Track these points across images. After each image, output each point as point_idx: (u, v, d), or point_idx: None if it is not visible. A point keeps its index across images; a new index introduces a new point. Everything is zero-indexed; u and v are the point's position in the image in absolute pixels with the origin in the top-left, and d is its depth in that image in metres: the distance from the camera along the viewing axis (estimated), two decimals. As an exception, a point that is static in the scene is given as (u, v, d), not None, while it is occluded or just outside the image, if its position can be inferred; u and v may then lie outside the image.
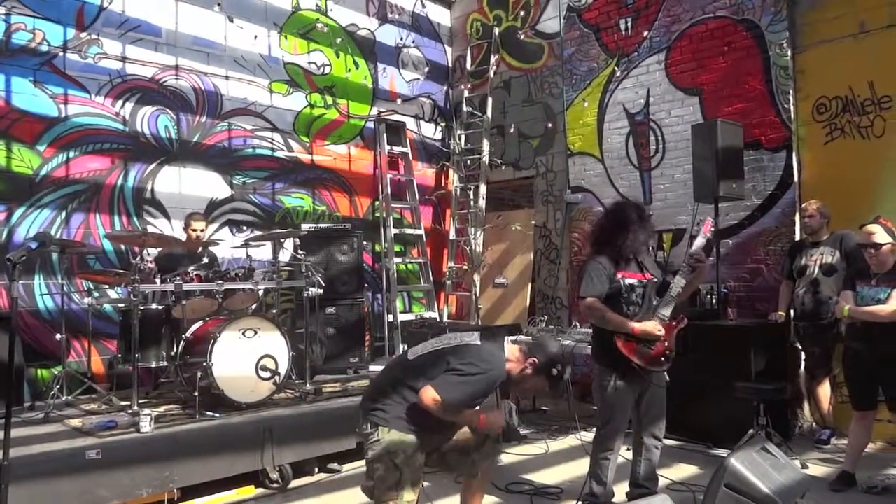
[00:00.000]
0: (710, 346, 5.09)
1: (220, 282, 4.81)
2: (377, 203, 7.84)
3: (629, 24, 6.91)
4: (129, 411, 4.31)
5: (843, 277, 4.61)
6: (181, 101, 6.37)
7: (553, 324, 6.88)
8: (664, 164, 6.61)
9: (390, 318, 7.40)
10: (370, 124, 7.85)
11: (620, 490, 3.88)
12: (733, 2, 6.08)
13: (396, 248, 7.73)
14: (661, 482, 4.03)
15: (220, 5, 6.66)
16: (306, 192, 7.24)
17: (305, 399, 4.90)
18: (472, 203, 8.12)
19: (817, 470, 4.51)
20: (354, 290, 6.63)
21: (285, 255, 6.07)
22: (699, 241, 3.56)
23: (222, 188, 6.60)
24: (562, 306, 7.41)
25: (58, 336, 4.81)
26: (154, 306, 4.99)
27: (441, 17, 8.77)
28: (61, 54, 5.68)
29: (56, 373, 4.95)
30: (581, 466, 3.92)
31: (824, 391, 5.17)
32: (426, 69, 8.52)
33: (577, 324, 6.29)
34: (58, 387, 4.74)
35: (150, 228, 6.04)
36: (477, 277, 7.83)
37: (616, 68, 7.01)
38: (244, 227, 6.71)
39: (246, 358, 4.59)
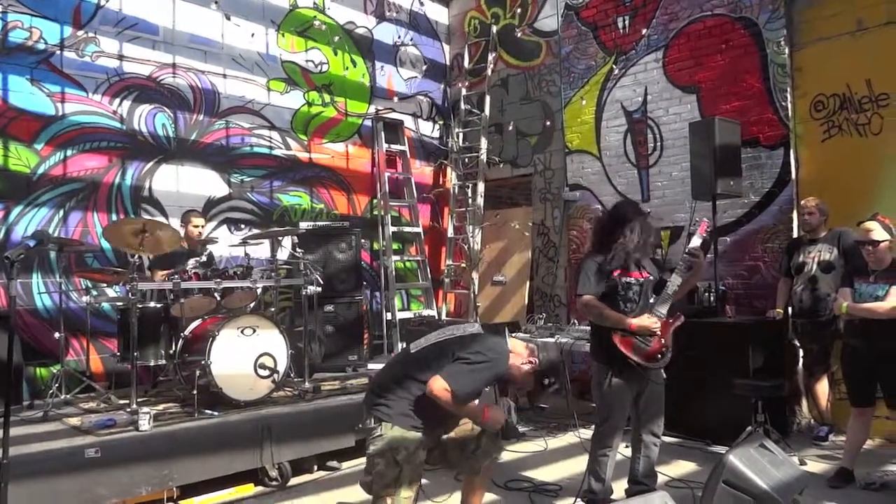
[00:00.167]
0: (708, 343, 5.10)
1: (219, 280, 4.81)
2: (375, 201, 7.84)
3: (627, 22, 6.92)
4: (128, 409, 4.30)
5: (841, 274, 4.62)
6: (178, 99, 6.36)
7: (551, 321, 6.88)
8: (662, 161, 6.62)
9: (389, 316, 7.40)
10: (368, 122, 7.84)
11: (619, 487, 3.89)
12: (731, -1, 6.10)
13: (395, 247, 7.73)
14: (660, 479, 4.04)
15: (218, 3, 6.65)
16: (304, 191, 7.24)
17: (304, 397, 4.89)
18: (470, 201, 8.12)
19: (815, 466, 4.52)
20: (353, 289, 6.62)
21: (283, 254, 6.08)
22: (695, 241, 3.58)
23: (220, 186, 6.59)
24: (560, 304, 7.42)
25: (56, 335, 4.80)
26: (152, 304, 5.00)
27: (439, 14, 8.77)
28: (58, 52, 5.67)
29: (55, 371, 4.94)
30: (580, 464, 3.93)
31: (822, 388, 5.18)
32: (424, 67, 8.51)
33: (576, 321, 6.30)
34: (56, 385, 4.73)
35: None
36: (475, 275, 7.83)
37: (614, 66, 7.02)
38: (242, 226, 6.70)
39: (244, 356, 4.59)
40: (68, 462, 3.59)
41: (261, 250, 6.03)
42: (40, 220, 5.52)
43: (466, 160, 8.29)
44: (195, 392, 4.36)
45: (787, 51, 5.75)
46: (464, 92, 8.42)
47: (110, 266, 5.59)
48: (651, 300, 3.64)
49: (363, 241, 7.22)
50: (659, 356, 3.60)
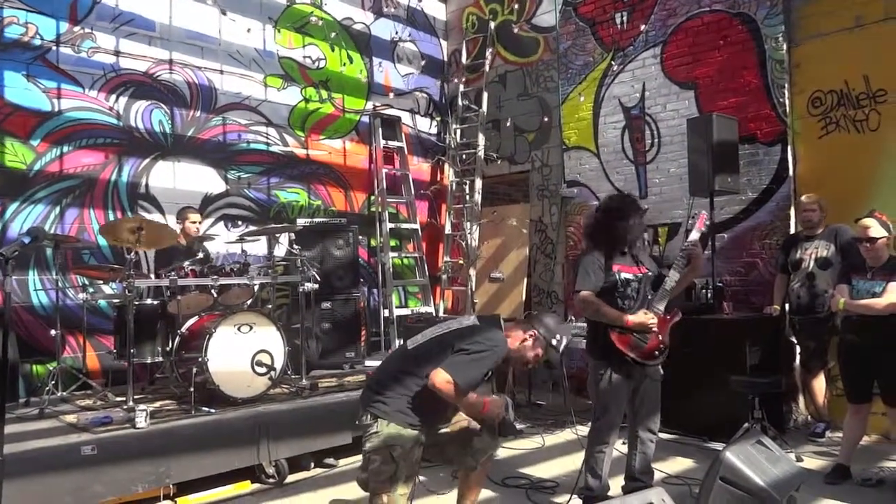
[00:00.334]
0: (705, 339, 5.10)
1: (216, 277, 4.80)
2: (372, 198, 7.83)
3: (625, 18, 6.90)
4: (125, 407, 4.29)
5: (838, 271, 4.62)
6: (175, 95, 6.34)
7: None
8: (660, 158, 6.61)
9: (386, 312, 7.39)
10: (365, 119, 7.83)
11: (616, 484, 3.89)
12: (729, -5, 6.08)
13: (392, 243, 7.72)
14: (657, 475, 4.04)
15: (215, -1, 6.63)
16: (301, 187, 7.23)
17: (301, 394, 4.89)
18: (467, 198, 8.11)
19: (812, 463, 4.53)
20: (350, 285, 6.62)
21: (280, 250, 6.07)
22: (694, 235, 3.58)
23: (217, 183, 6.58)
24: (557, 300, 7.42)
25: (52, 332, 4.79)
26: (149, 301, 4.99)
27: (436, 10, 8.75)
28: (54, 48, 5.65)
29: (51, 368, 4.93)
30: (577, 460, 3.93)
31: (819, 384, 5.19)
32: (421, 63, 8.50)
33: (573, 318, 6.29)
34: (53, 382, 4.71)
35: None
36: (473, 272, 7.82)
37: (612, 62, 7.00)
38: (239, 222, 6.69)
39: (241, 353, 4.58)
40: (64, 459, 3.58)
41: (258, 247, 6.03)
42: (36, 217, 5.51)
43: (464, 157, 8.28)
44: (192, 389, 4.36)
45: (784, 47, 5.74)
46: (461, 88, 8.41)
47: (107, 263, 5.58)
48: (649, 296, 3.64)
49: (360, 237, 7.22)
50: (656, 353, 3.60)
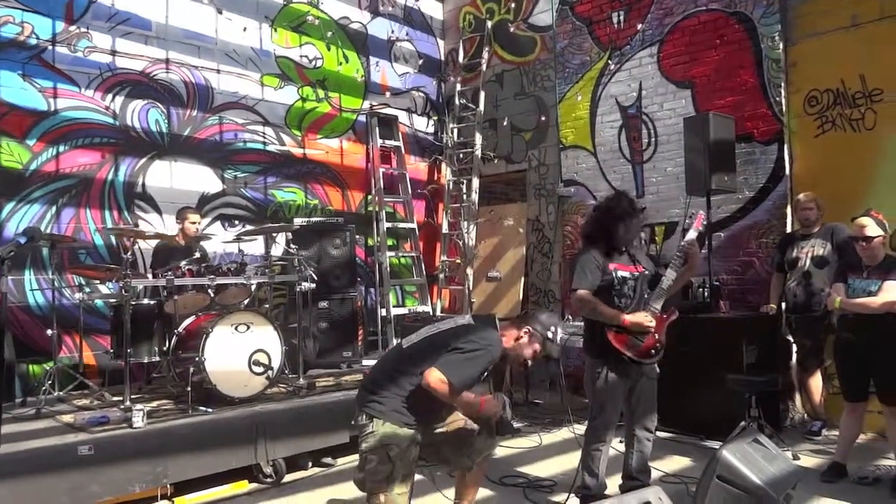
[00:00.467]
0: (702, 338, 5.11)
1: (212, 276, 4.80)
2: (370, 197, 7.82)
3: (621, 18, 6.91)
4: (122, 407, 4.29)
5: (834, 269, 4.63)
6: (172, 94, 6.33)
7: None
8: (656, 157, 6.62)
9: (383, 312, 7.39)
10: (362, 118, 7.82)
11: (613, 482, 3.89)
12: (725, -6, 6.09)
13: (389, 242, 7.72)
14: (654, 474, 4.05)
15: (211, -2, 6.62)
16: (298, 186, 7.22)
17: (299, 394, 4.89)
18: (464, 197, 8.11)
19: (809, 461, 4.54)
20: (347, 285, 6.62)
21: (277, 250, 6.06)
22: (691, 234, 3.58)
23: (214, 182, 6.57)
24: (554, 299, 7.43)
25: (49, 331, 4.79)
26: (146, 301, 4.99)
27: (433, 10, 8.74)
28: (50, 48, 5.64)
29: (48, 368, 4.93)
30: (574, 459, 3.93)
31: (816, 383, 5.20)
32: (418, 62, 8.49)
33: (570, 317, 6.29)
34: (49, 382, 4.71)
35: (142, 223, 6.02)
36: (470, 271, 7.82)
37: (609, 61, 7.01)
38: (236, 222, 6.69)
39: (239, 353, 4.58)
40: (61, 459, 3.58)
41: (255, 246, 6.02)
42: (32, 217, 5.49)
43: (461, 156, 8.28)
44: (189, 389, 4.36)
45: (781, 46, 5.75)
46: (458, 87, 8.41)
47: (103, 263, 5.58)
48: (646, 295, 3.64)
49: (357, 237, 7.22)
50: (653, 351, 3.60)
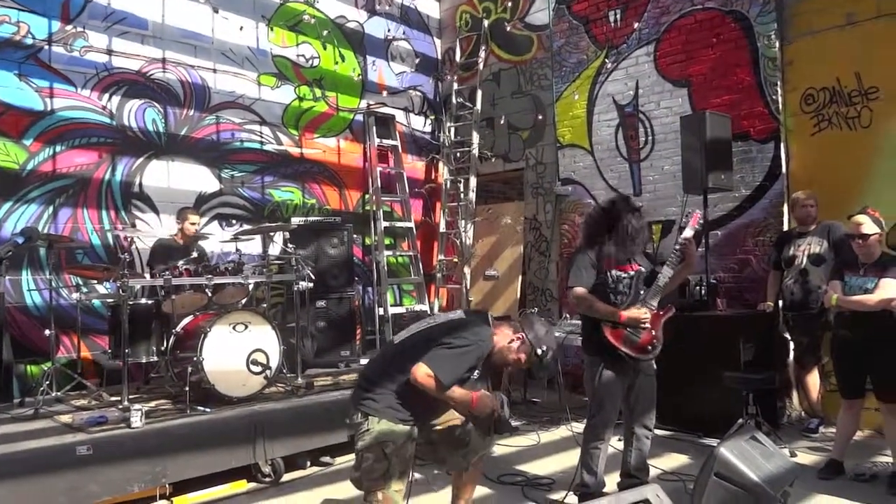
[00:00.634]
0: (699, 336, 5.12)
1: (210, 276, 4.79)
2: (367, 196, 7.82)
3: (618, 16, 6.91)
4: (120, 406, 4.29)
5: (831, 267, 4.65)
6: (168, 94, 6.32)
7: (543, 315, 6.89)
8: (653, 155, 6.63)
9: (381, 311, 7.40)
10: (359, 117, 7.82)
11: (612, 480, 3.90)
12: (722, -7, 6.10)
13: (386, 242, 7.71)
14: (652, 472, 4.06)
15: (208, -3, 6.61)
16: (296, 186, 7.22)
17: (297, 393, 4.89)
18: (461, 196, 8.11)
19: (806, 458, 4.56)
20: (345, 284, 6.61)
21: (275, 249, 6.05)
22: (687, 232, 3.59)
23: (211, 182, 6.56)
24: (552, 298, 7.44)
25: (46, 332, 4.78)
26: (143, 301, 4.98)
27: (430, 8, 8.74)
28: (46, 47, 5.63)
29: (45, 369, 4.92)
30: (573, 457, 3.94)
31: (813, 380, 5.21)
32: (415, 61, 8.49)
33: (567, 315, 6.31)
34: (47, 382, 4.70)
35: (139, 223, 6.02)
36: (467, 270, 7.83)
37: (605, 60, 7.02)
38: (233, 221, 6.68)
39: (237, 352, 4.58)
40: (60, 460, 3.58)
41: (252, 246, 6.02)
42: (29, 217, 5.48)
43: (458, 155, 8.28)
44: (187, 388, 4.35)
45: (777, 44, 5.76)
46: (455, 86, 8.41)
47: (101, 262, 5.57)
48: (642, 292, 3.65)
49: (355, 236, 7.22)
50: (649, 348, 3.61)
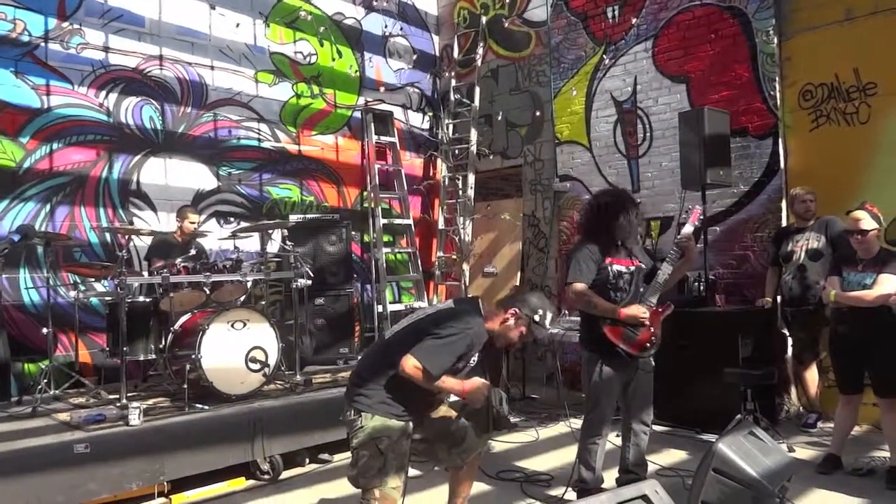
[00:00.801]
0: (698, 332, 5.12)
1: (208, 274, 4.79)
2: (365, 193, 7.81)
3: (616, 12, 6.90)
4: (118, 404, 4.29)
5: (829, 262, 4.65)
6: (166, 91, 6.31)
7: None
8: (652, 151, 6.63)
9: (380, 308, 7.39)
10: (357, 114, 7.81)
11: (610, 476, 3.90)
12: (720, -11, 6.09)
13: (385, 239, 7.71)
14: (651, 468, 4.06)
15: (205, -6, 6.59)
16: (294, 183, 7.21)
17: (295, 390, 4.89)
18: (460, 192, 8.11)
19: (804, 453, 4.56)
20: (343, 281, 6.61)
21: (273, 247, 6.05)
22: (687, 229, 3.59)
23: (209, 179, 6.55)
24: (550, 295, 7.43)
25: (44, 330, 4.77)
26: (141, 299, 4.97)
27: (428, 5, 8.72)
28: (43, 44, 5.61)
29: (43, 367, 4.91)
30: (571, 453, 3.94)
31: (811, 376, 5.22)
32: (413, 58, 8.47)
33: (566, 312, 6.31)
34: (45, 381, 4.69)
35: (137, 221, 6.01)
36: (466, 267, 7.83)
37: (603, 56, 7.01)
38: (231, 219, 6.67)
39: (235, 350, 4.58)
40: (58, 458, 3.57)
41: (250, 243, 6.01)
42: (27, 215, 5.47)
43: (456, 151, 8.27)
44: (185, 386, 4.34)
45: (775, 40, 5.75)
46: (453, 83, 8.39)
47: (98, 260, 5.56)
48: (641, 289, 3.65)
49: (353, 233, 7.21)
50: (648, 345, 3.61)
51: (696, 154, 5.41)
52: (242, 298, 5.35)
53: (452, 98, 8.36)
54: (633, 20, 6.73)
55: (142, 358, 4.94)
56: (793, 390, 5.60)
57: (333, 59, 7.64)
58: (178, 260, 4.82)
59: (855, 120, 5.35)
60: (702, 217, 3.94)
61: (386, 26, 8.19)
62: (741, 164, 5.89)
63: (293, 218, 6.59)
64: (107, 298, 5.15)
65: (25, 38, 5.52)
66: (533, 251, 7.67)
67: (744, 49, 5.93)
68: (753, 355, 5.05)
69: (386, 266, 7.57)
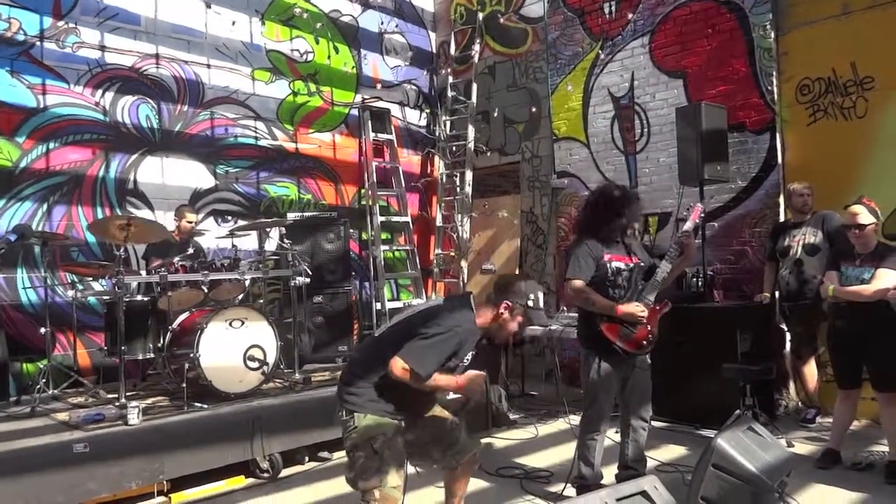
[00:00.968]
0: (696, 328, 5.12)
1: (206, 272, 4.78)
2: (363, 191, 7.81)
3: (613, 8, 6.89)
4: (117, 404, 4.28)
5: (826, 257, 4.65)
6: (162, 90, 6.30)
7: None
8: (649, 147, 6.62)
9: (378, 306, 7.39)
10: (354, 112, 7.80)
11: (609, 472, 3.91)
12: (717, -16, 6.08)
13: (383, 236, 7.71)
14: (650, 463, 4.06)
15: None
16: (291, 181, 7.20)
17: (294, 388, 4.89)
18: (458, 189, 8.10)
19: (803, 448, 4.57)
20: (341, 279, 6.61)
21: (271, 245, 6.05)
22: (688, 226, 3.59)
23: (206, 178, 6.54)
24: (549, 291, 7.43)
25: (42, 329, 4.77)
26: (139, 298, 4.97)
27: (424, 2, 8.71)
28: (38, 44, 5.60)
29: (41, 366, 4.90)
30: (570, 450, 3.94)
31: (810, 371, 5.22)
32: (410, 55, 8.46)
33: (565, 308, 6.31)
34: (43, 380, 4.69)
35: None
36: (464, 264, 7.83)
37: (600, 52, 7.00)
38: (229, 217, 6.66)
39: (233, 348, 4.57)
40: (57, 457, 3.57)
41: (248, 242, 6.00)
42: (23, 215, 5.46)
43: (454, 148, 8.26)
44: (184, 385, 4.34)
45: (772, 35, 5.75)
46: (450, 80, 8.38)
47: (96, 260, 5.55)
48: (640, 287, 3.65)
49: (351, 231, 7.20)
50: (644, 343, 3.61)
51: (694, 149, 5.41)
52: (241, 297, 5.35)
53: (449, 95, 8.35)
54: (630, 15, 6.73)
55: (140, 357, 4.94)
56: (791, 385, 5.60)
57: (330, 57, 7.63)
58: (176, 259, 4.82)
59: (852, 114, 5.36)
60: (703, 214, 3.94)
61: (382, 23, 8.17)
62: (739, 160, 5.89)
63: (291, 216, 6.59)
64: (105, 298, 5.14)
65: (21, 38, 5.50)
66: (531, 248, 7.67)
67: (741, 44, 5.92)
68: (752, 350, 5.05)
69: (384, 263, 7.56)
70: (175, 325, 4.84)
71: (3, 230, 5.27)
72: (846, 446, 4.28)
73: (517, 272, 7.59)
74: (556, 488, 4.00)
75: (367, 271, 7.68)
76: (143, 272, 5.23)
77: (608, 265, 3.61)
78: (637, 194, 3.90)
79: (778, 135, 5.74)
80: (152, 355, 4.94)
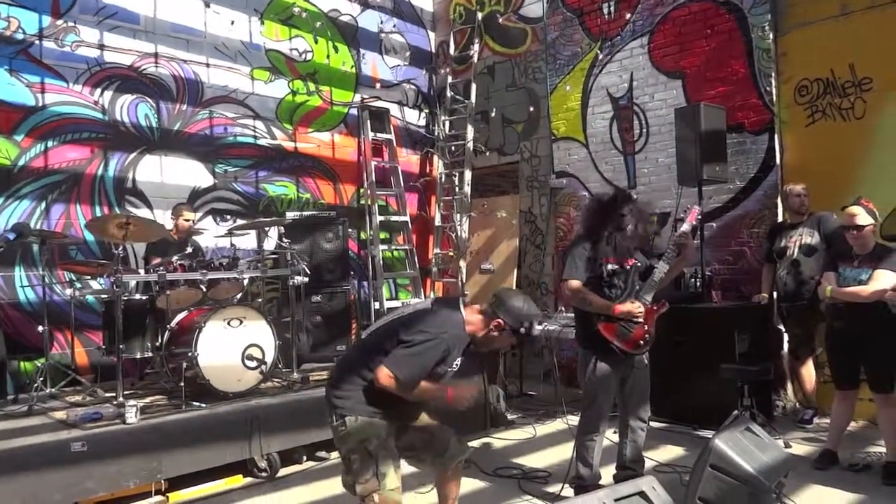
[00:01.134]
0: (694, 328, 5.13)
1: (205, 271, 4.77)
2: (362, 190, 7.80)
3: (612, 8, 6.90)
4: (115, 402, 4.28)
5: (822, 258, 4.65)
6: (161, 89, 6.29)
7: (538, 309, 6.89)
8: (648, 148, 6.63)
9: (376, 305, 7.38)
10: (353, 111, 7.79)
11: (607, 472, 3.91)
12: (716, -16, 6.09)
13: (382, 236, 7.70)
14: (648, 464, 4.07)
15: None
16: (290, 180, 7.20)
17: (292, 388, 4.89)
18: (457, 189, 8.10)
19: (800, 449, 4.58)
20: (340, 278, 6.61)
21: (270, 244, 6.05)
22: (685, 227, 3.59)
23: (205, 177, 6.54)
24: (547, 291, 7.44)
25: (40, 328, 4.76)
26: (138, 297, 4.96)
27: (423, 1, 8.70)
28: (37, 42, 5.59)
29: (39, 365, 4.89)
30: (568, 450, 3.95)
31: (808, 371, 5.23)
32: (409, 55, 8.46)
33: (563, 308, 6.31)
34: (41, 379, 4.68)
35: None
36: (463, 264, 7.82)
37: (599, 52, 7.00)
38: (228, 216, 6.66)
39: (232, 347, 4.57)
40: (54, 456, 3.57)
41: (247, 241, 6.00)
42: (22, 213, 5.46)
43: (453, 148, 8.26)
44: (182, 384, 4.34)
45: (771, 36, 5.75)
46: (449, 79, 8.38)
47: (94, 258, 5.55)
48: (637, 287, 3.65)
49: (350, 230, 7.20)
50: (641, 343, 3.62)
51: (693, 150, 5.41)
52: (239, 296, 5.35)
53: (449, 95, 8.34)
54: (629, 16, 6.73)
55: (138, 356, 4.94)
56: (789, 386, 5.61)
57: (329, 56, 7.62)
58: (175, 258, 4.81)
59: (850, 115, 5.36)
60: (699, 216, 3.94)
61: (381, 23, 8.17)
62: (737, 160, 5.90)
63: (290, 215, 6.59)
64: (103, 296, 5.14)
65: (20, 36, 5.50)
66: (530, 248, 7.67)
67: (739, 45, 5.93)
68: (750, 351, 5.06)
69: (383, 263, 7.56)
70: (173, 323, 4.84)
71: (1, 228, 5.27)
72: (843, 447, 4.29)
73: (517, 270, 7.60)
74: (553, 489, 4.00)
75: (366, 271, 7.68)
76: (142, 271, 5.22)
77: (605, 266, 3.61)
78: (632, 195, 3.89)
79: (776, 135, 5.75)
80: (150, 354, 4.94)
